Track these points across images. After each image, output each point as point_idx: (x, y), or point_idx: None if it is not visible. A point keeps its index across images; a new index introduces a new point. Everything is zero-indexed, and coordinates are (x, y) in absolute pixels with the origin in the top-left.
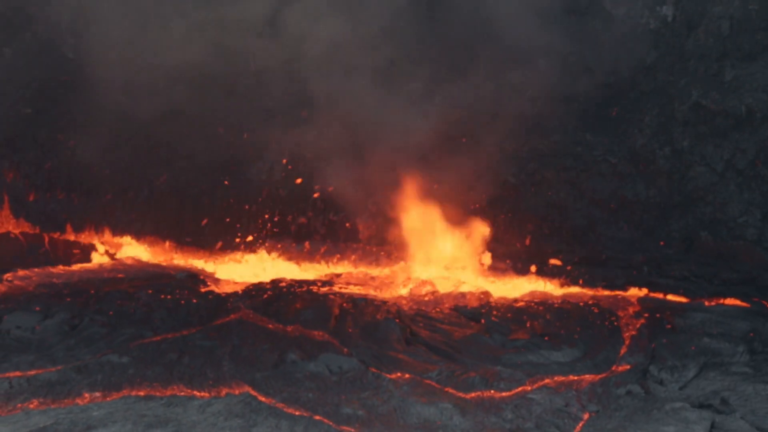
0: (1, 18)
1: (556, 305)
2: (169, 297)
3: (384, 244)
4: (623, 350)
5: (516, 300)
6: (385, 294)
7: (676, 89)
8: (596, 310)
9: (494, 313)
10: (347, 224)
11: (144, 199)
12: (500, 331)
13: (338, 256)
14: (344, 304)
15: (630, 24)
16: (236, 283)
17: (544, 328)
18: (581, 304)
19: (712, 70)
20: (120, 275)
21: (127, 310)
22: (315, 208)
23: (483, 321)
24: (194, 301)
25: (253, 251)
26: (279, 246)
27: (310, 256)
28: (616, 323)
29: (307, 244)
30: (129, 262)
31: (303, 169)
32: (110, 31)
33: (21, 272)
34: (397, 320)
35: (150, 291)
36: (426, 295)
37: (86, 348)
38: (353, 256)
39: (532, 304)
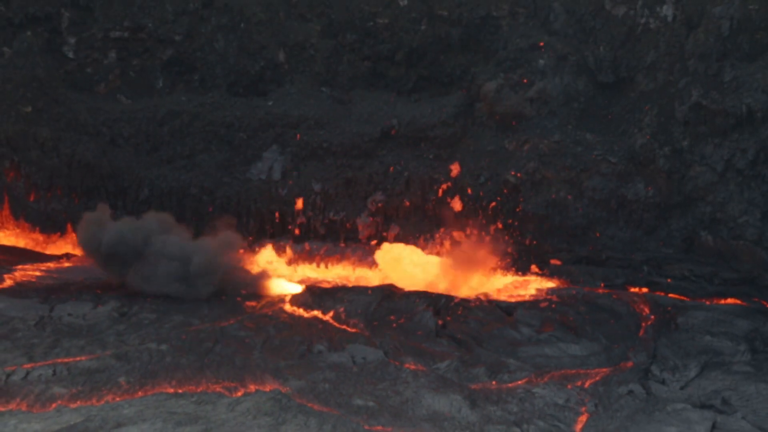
0: (1, 18)
1: (588, 300)
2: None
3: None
4: (632, 348)
5: (550, 295)
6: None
7: (676, 89)
8: (624, 307)
9: (527, 306)
10: (347, 224)
11: (144, 199)
12: (529, 324)
13: (338, 256)
14: (387, 294)
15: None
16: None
17: (572, 321)
18: (605, 298)
19: (712, 70)
20: None
21: (176, 299)
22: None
23: (514, 314)
24: (243, 291)
25: (253, 250)
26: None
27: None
28: (640, 320)
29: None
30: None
31: None
32: None
33: (67, 264)
34: (433, 312)
35: None
36: (467, 289)
37: (135, 333)
38: (353, 257)
39: (565, 298)
